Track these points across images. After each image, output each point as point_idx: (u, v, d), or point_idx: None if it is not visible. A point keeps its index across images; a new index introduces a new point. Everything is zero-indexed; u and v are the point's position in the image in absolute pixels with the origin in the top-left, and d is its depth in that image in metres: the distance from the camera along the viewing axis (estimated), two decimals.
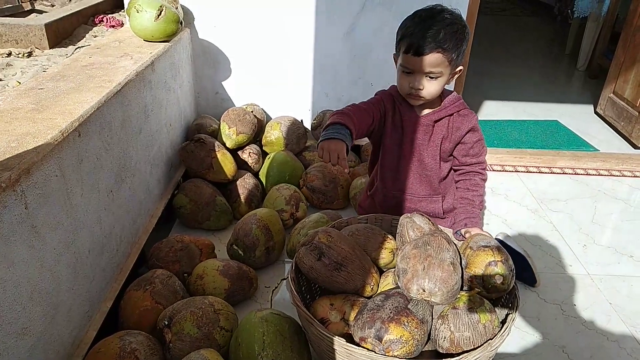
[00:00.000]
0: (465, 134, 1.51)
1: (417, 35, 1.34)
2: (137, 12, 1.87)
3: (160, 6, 1.88)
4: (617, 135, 3.03)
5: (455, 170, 1.61)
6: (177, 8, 2.02)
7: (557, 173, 2.58)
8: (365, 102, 1.54)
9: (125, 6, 2.18)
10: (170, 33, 1.93)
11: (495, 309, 1.28)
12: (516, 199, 2.31)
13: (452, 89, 1.57)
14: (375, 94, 1.60)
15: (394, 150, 1.60)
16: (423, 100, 1.46)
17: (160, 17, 1.87)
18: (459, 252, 1.33)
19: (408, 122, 1.53)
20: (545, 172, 2.58)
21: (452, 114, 1.51)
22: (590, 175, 2.57)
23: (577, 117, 3.31)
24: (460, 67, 1.44)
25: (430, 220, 1.41)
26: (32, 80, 1.48)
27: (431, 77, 1.40)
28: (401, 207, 1.66)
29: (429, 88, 1.41)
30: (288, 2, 2.21)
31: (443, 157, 1.56)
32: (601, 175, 2.57)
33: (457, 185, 1.61)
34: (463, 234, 1.50)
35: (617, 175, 2.57)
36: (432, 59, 1.35)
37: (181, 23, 1.98)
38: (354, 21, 2.24)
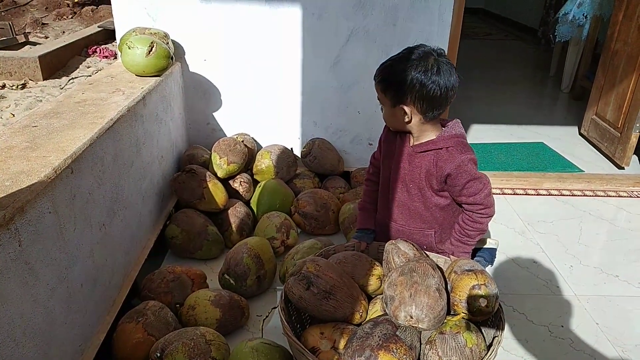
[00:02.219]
0: (447, 175, 1.47)
1: None
2: (129, 48, 1.93)
3: (151, 42, 1.94)
4: (602, 155, 3.10)
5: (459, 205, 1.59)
6: (167, 43, 2.09)
7: (543, 195, 2.63)
8: (372, 160, 1.76)
9: (117, 41, 2.24)
10: (161, 68, 1.98)
11: (482, 332, 1.31)
12: (503, 221, 2.35)
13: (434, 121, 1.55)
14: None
15: (386, 178, 1.64)
16: (389, 126, 1.59)
17: (151, 53, 1.93)
18: (444, 277, 1.37)
19: (399, 151, 1.58)
20: (532, 194, 2.63)
21: (440, 149, 1.48)
22: (576, 196, 2.63)
23: (562, 138, 3.39)
24: (403, 107, 1.45)
25: (415, 246, 1.44)
26: (26, 117, 1.52)
27: (382, 104, 1.53)
28: (395, 238, 1.67)
29: (383, 114, 1.55)
30: (275, 35, 2.28)
31: (433, 191, 1.54)
32: (586, 196, 2.63)
33: (462, 214, 1.58)
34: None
35: (601, 196, 2.63)
36: (376, 86, 1.51)
37: (172, 58, 2.04)
38: (339, 53, 2.31)
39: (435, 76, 1.39)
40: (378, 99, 1.53)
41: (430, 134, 1.50)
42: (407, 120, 1.47)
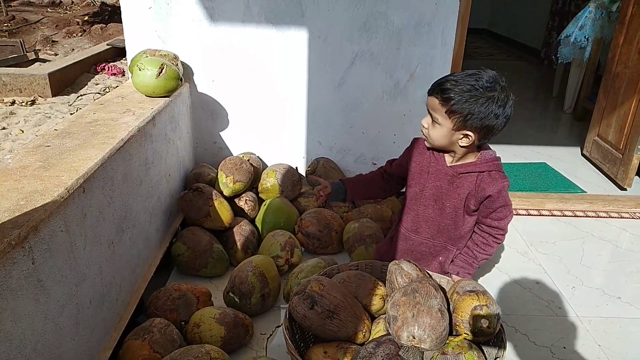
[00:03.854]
0: (488, 197, 1.51)
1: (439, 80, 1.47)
2: (140, 69, 1.98)
3: (162, 64, 1.99)
4: (604, 177, 3.12)
5: (478, 224, 1.62)
6: (177, 65, 2.14)
7: (546, 215, 2.65)
8: (387, 167, 1.78)
9: (128, 61, 2.29)
10: (170, 89, 2.03)
11: (484, 353, 1.33)
12: (506, 241, 2.35)
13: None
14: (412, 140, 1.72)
15: (417, 193, 1.66)
16: (429, 143, 1.55)
17: (161, 74, 1.98)
18: (446, 297, 1.39)
19: (435, 169, 1.60)
20: (534, 215, 2.65)
21: (482, 172, 1.52)
22: (578, 217, 2.64)
23: (564, 159, 3.41)
24: (469, 133, 1.44)
25: (417, 266, 1.46)
26: (40, 137, 1.57)
27: (434, 121, 1.48)
28: (416, 251, 1.71)
29: (431, 131, 1.50)
30: (282, 57, 2.34)
31: (467, 211, 1.57)
32: (589, 217, 2.64)
33: (472, 235, 1.61)
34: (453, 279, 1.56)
35: (604, 217, 2.64)
36: (431, 102, 1.47)
37: (181, 79, 2.09)
38: (344, 75, 2.36)
39: (509, 109, 1.43)
40: (429, 112, 1.48)
41: (470, 157, 1.54)
42: (465, 144, 1.46)
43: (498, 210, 1.53)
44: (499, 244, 1.58)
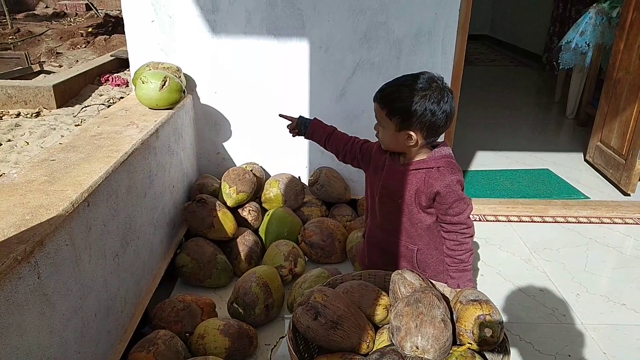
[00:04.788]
0: (436, 193, 1.52)
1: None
2: (143, 82, 2.00)
3: (165, 77, 2.01)
4: (607, 182, 3.12)
5: (440, 225, 1.63)
6: (180, 77, 2.16)
7: (549, 222, 2.65)
8: (365, 143, 1.76)
9: (132, 73, 2.32)
10: (173, 101, 2.05)
11: None
12: (509, 249, 2.37)
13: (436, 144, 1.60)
14: None
15: (374, 191, 1.69)
16: (384, 147, 1.61)
17: (164, 87, 2.00)
18: (449, 307, 1.39)
19: (388, 167, 1.63)
20: (538, 222, 2.65)
21: (431, 168, 1.54)
22: (582, 223, 2.64)
23: (567, 165, 3.41)
24: (411, 133, 1.48)
25: (420, 276, 1.47)
26: (45, 151, 1.58)
27: (381, 125, 1.55)
28: (381, 247, 1.72)
29: (380, 135, 1.57)
30: (284, 68, 2.35)
31: (420, 208, 1.58)
32: (592, 223, 2.64)
33: (444, 242, 1.62)
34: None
35: (607, 223, 2.64)
36: (375, 107, 1.54)
37: (184, 91, 2.11)
38: (345, 85, 2.37)
39: (445, 105, 1.45)
40: (377, 118, 1.55)
41: (422, 155, 1.57)
42: (411, 144, 1.51)
43: (453, 205, 1.53)
44: (469, 237, 1.57)
